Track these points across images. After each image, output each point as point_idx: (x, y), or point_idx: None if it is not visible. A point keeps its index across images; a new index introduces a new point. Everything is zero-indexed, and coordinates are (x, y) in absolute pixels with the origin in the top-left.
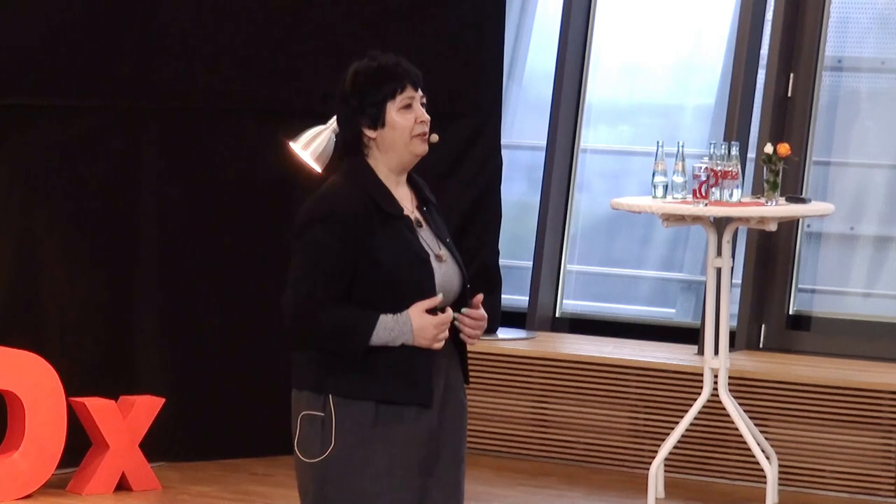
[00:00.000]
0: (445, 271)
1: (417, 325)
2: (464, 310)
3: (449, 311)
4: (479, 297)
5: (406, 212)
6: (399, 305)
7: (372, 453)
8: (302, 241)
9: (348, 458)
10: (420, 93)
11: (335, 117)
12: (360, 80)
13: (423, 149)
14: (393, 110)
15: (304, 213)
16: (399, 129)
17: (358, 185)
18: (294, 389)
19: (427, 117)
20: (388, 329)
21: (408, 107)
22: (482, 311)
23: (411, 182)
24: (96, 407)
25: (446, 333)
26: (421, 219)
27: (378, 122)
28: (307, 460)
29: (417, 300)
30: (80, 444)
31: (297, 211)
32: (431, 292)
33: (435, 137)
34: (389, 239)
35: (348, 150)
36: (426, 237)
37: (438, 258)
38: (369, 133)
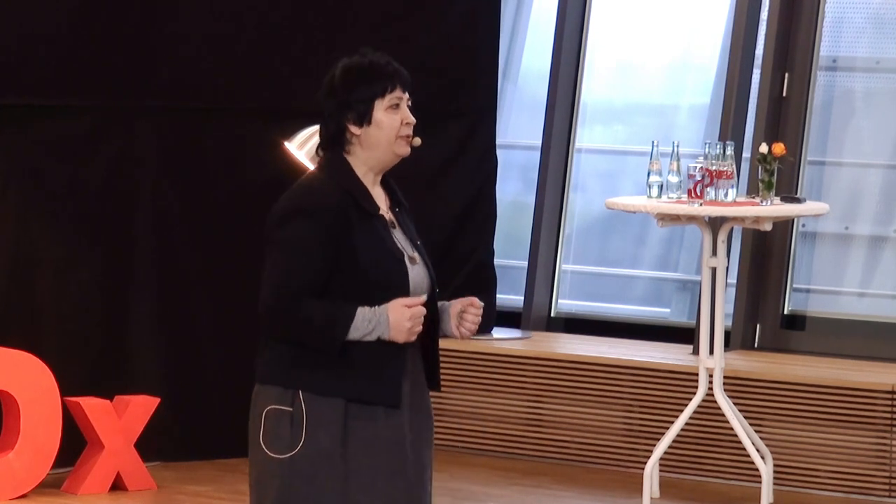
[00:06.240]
0: (417, 273)
1: (394, 317)
2: (470, 298)
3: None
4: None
5: (381, 211)
6: (373, 302)
7: (343, 451)
8: (281, 235)
9: (318, 454)
10: (407, 94)
11: None
12: (350, 75)
13: (405, 150)
14: (381, 109)
15: (285, 207)
16: (385, 128)
17: (336, 180)
18: (258, 384)
19: (413, 119)
20: (366, 321)
21: (395, 107)
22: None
23: (385, 183)
24: (91, 407)
25: (420, 327)
26: (394, 220)
27: (365, 119)
28: (274, 455)
29: (391, 298)
30: (75, 444)
31: (275, 204)
32: (405, 291)
33: (418, 141)
34: (367, 236)
35: (329, 144)
36: (399, 238)
37: (411, 260)
38: (354, 130)
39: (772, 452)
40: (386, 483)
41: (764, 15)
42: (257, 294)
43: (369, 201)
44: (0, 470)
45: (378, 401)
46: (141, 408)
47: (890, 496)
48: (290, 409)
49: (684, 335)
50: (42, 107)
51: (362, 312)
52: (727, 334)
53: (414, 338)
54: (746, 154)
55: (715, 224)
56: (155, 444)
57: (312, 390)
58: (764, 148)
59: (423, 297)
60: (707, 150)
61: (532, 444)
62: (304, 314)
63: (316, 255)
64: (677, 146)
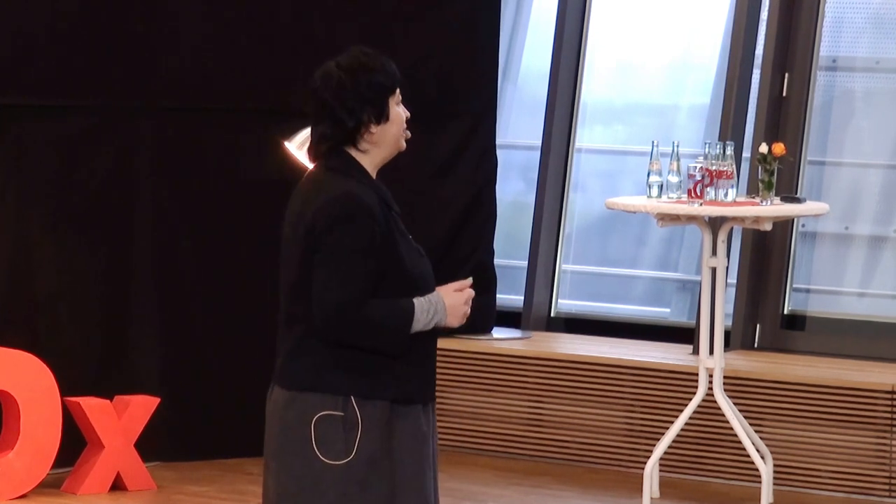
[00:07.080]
0: (427, 264)
1: (450, 302)
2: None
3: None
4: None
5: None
6: (413, 297)
7: (389, 451)
8: (334, 242)
9: (371, 457)
10: None
11: None
12: (365, 72)
13: (404, 144)
14: (393, 104)
15: (334, 212)
16: (398, 123)
17: (364, 181)
18: (293, 391)
19: (408, 113)
20: (425, 311)
21: (398, 102)
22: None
23: None
24: (91, 406)
25: (469, 310)
26: None
27: (383, 115)
28: (331, 462)
29: (427, 292)
30: (75, 444)
31: (319, 210)
32: (432, 283)
33: (408, 133)
34: (398, 235)
35: (340, 144)
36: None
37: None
38: (372, 127)
39: (772, 452)
40: (424, 476)
41: (764, 15)
42: (259, 294)
43: (393, 200)
44: (0, 470)
45: (420, 399)
46: (141, 408)
47: (890, 496)
48: (342, 413)
49: (684, 335)
50: (42, 107)
51: (420, 304)
52: (727, 334)
53: (465, 321)
54: (746, 154)
55: (715, 224)
56: (155, 444)
57: (363, 394)
58: (764, 148)
59: (470, 280)
60: (707, 150)
61: (532, 444)
62: (367, 318)
63: (370, 259)
64: (677, 146)
